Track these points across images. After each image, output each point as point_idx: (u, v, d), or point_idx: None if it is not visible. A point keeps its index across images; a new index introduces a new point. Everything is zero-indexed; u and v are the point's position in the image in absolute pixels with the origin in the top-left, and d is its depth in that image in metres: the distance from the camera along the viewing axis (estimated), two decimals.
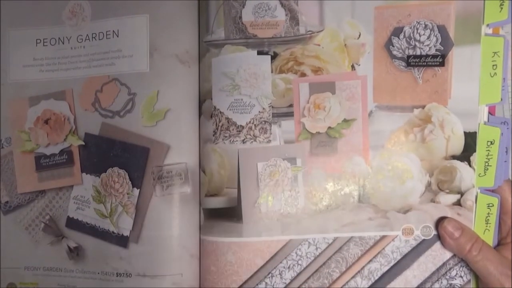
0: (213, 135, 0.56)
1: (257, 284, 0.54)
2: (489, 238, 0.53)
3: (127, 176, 0.56)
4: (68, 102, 0.59)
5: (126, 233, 0.56)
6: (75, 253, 0.58)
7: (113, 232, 0.57)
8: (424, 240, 0.54)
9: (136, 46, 0.57)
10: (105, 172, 0.57)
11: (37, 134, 0.59)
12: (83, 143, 0.59)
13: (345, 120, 0.55)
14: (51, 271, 0.60)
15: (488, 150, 0.52)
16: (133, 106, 0.57)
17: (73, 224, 0.59)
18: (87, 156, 0.59)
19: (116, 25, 0.58)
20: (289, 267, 0.54)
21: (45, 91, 0.60)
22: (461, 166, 0.53)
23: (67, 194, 0.60)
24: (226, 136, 0.55)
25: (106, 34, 0.59)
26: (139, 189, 0.56)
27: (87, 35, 0.59)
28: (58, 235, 0.59)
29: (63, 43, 0.60)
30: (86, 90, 0.59)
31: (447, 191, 0.54)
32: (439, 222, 0.53)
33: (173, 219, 0.56)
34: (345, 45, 0.55)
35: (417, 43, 0.53)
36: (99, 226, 0.58)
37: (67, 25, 0.60)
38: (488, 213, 0.53)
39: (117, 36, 0.58)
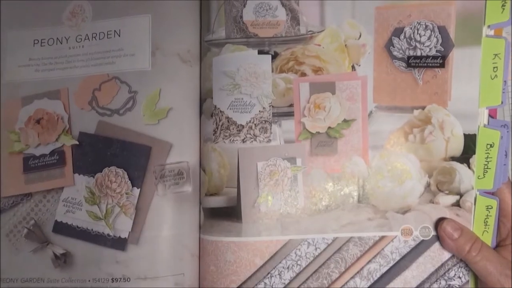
0: (213, 134, 0.55)
1: (256, 284, 0.54)
2: (488, 239, 0.53)
3: (126, 175, 0.56)
4: (62, 101, 0.58)
5: (124, 235, 0.55)
6: (62, 260, 0.56)
7: (108, 234, 0.56)
8: (423, 240, 0.54)
9: (138, 45, 0.57)
10: (101, 172, 0.56)
11: (27, 135, 0.58)
12: (76, 142, 0.57)
13: (345, 120, 0.55)
14: (31, 282, 0.56)
15: (488, 152, 0.52)
16: (134, 104, 0.56)
17: (61, 228, 0.57)
18: (80, 156, 0.57)
19: (117, 25, 0.58)
20: (288, 267, 0.54)
21: (39, 91, 0.59)
22: (460, 167, 0.53)
23: (55, 196, 0.57)
24: (226, 135, 0.55)
25: (107, 34, 0.58)
26: (139, 189, 0.56)
27: (87, 35, 0.59)
28: (43, 242, 0.57)
29: (61, 43, 0.60)
30: (83, 88, 0.58)
31: (446, 192, 0.54)
32: (438, 223, 0.53)
33: (174, 218, 0.55)
34: (345, 45, 0.55)
35: (417, 44, 0.54)
36: (92, 229, 0.56)
37: (66, 25, 0.60)
38: (487, 215, 0.53)
39: (119, 36, 0.58)
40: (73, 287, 0.56)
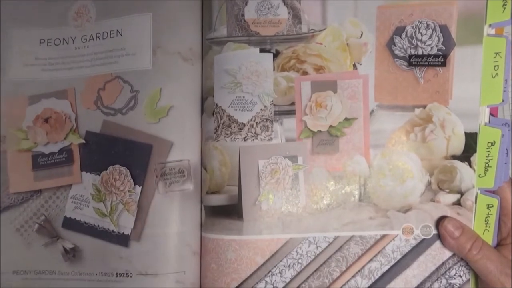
0: (215, 133, 0.56)
1: (257, 283, 0.54)
2: (489, 238, 0.53)
3: (128, 174, 0.56)
4: (70, 101, 0.59)
5: (127, 231, 0.56)
6: (71, 254, 0.57)
7: (113, 231, 0.57)
8: (424, 239, 0.54)
9: (139, 44, 0.57)
10: (106, 170, 0.57)
11: (36, 133, 0.59)
12: (83, 141, 0.58)
13: (346, 119, 0.55)
14: (43, 274, 0.58)
15: (489, 151, 0.52)
16: (136, 103, 0.57)
17: (70, 224, 0.58)
18: (87, 154, 0.58)
19: (119, 24, 0.59)
20: (289, 266, 0.54)
21: (46, 90, 0.60)
22: (461, 166, 0.53)
23: (64, 193, 0.59)
24: (227, 134, 0.55)
25: (110, 34, 0.59)
26: (141, 187, 0.56)
27: (92, 35, 0.60)
28: (53, 236, 0.58)
29: (67, 43, 0.60)
30: (89, 88, 0.59)
31: (447, 190, 0.54)
32: (439, 221, 0.53)
33: (176, 216, 0.56)
34: (347, 44, 0.55)
35: (419, 43, 0.54)
36: (98, 225, 0.57)
37: (71, 26, 0.60)
38: (488, 214, 0.53)
39: (121, 35, 0.58)
40: (81, 280, 0.57)
